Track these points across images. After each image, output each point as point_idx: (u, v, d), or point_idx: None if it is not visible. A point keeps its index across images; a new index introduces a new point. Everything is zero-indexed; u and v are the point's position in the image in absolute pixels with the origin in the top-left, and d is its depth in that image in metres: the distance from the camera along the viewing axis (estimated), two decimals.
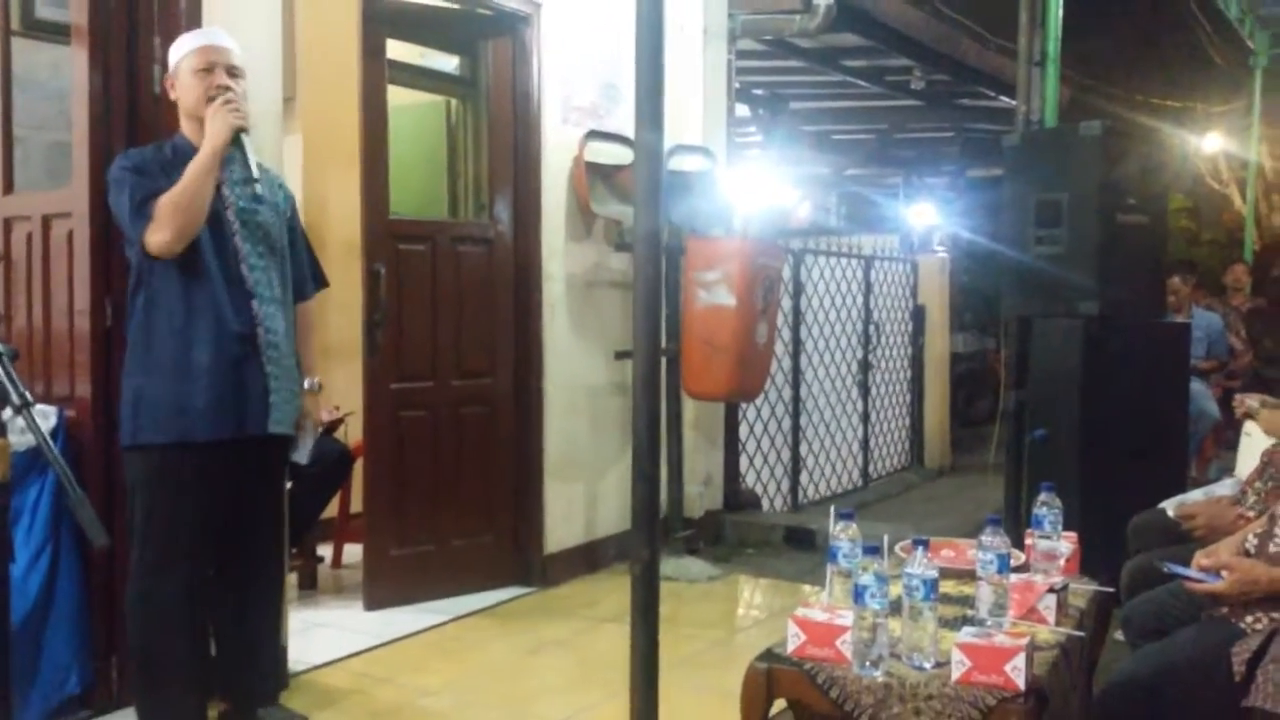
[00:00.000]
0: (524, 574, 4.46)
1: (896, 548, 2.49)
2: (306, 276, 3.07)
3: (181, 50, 2.83)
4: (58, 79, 3.39)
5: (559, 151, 4.51)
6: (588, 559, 4.67)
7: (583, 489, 4.70)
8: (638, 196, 2.05)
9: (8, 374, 1.79)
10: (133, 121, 2.99)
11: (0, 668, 1.94)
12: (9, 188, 3.26)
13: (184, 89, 2.80)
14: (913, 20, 6.82)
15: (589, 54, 4.65)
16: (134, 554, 2.76)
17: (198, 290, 2.73)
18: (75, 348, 3.00)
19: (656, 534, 2.03)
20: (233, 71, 2.80)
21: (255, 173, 2.75)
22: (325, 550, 4.62)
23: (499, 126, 4.44)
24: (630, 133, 4.62)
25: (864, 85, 8.18)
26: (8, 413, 1.84)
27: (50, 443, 1.77)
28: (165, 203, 2.64)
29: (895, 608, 2.11)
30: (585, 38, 4.62)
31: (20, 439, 1.99)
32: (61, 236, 3.04)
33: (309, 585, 4.32)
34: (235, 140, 2.72)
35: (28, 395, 1.80)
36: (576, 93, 4.60)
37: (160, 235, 2.64)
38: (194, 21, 3.04)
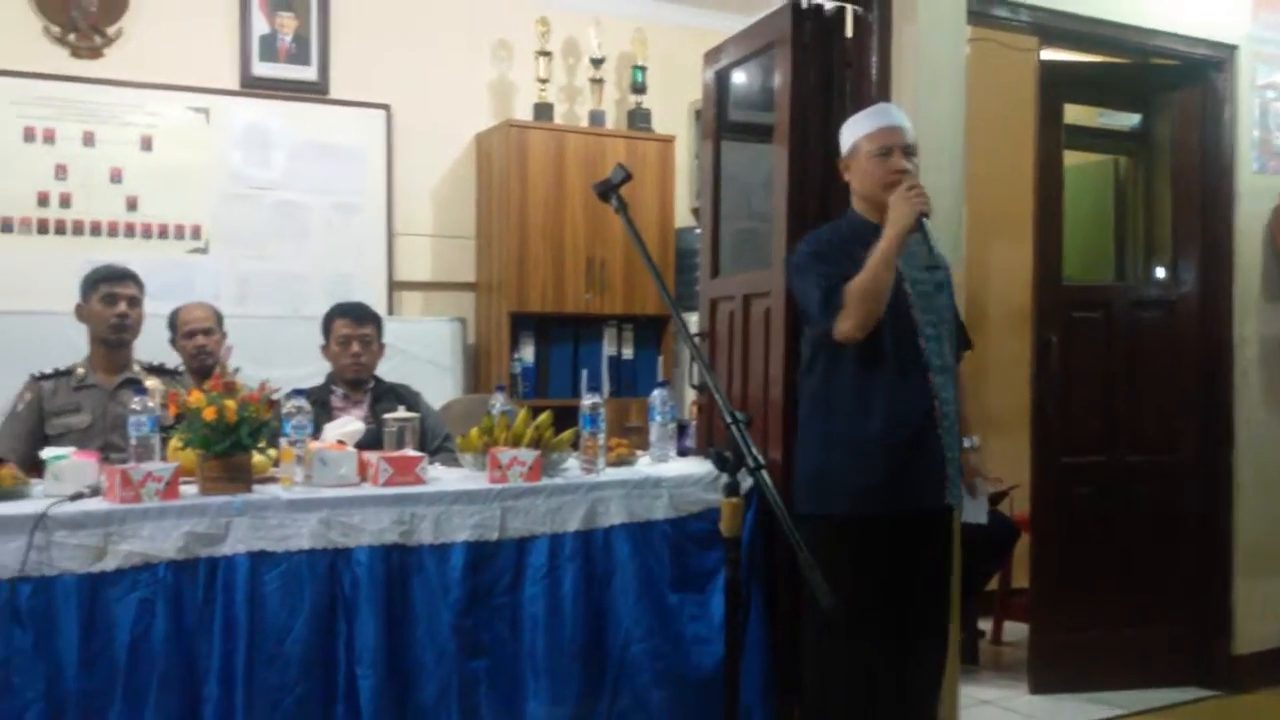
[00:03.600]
0: (1206, 675, 4.00)
1: None
2: (958, 339, 3.01)
3: (858, 132, 2.81)
4: (743, 172, 3.69)
5: (1253, 202, 4.04)
6: None
7: None
8: None
9: (744, 438, 1.97)
10: (824, 208, 3.16)
11: (729, 691, 2.14)
12: (715, 271, 3.62)
13: (862, 173, 2.80)
14: None
15: None
16: (806, 613, 2.89)
17: (876, 367, 2.75)
18: (768, 416, 3.19)
19: None
20: (908, 151, 2.76)
21: (937, 260, 2.73)
22: (985, 624, 4.53)
23: (1183, 181, 4.10)
24: None
25: None
26: (741, 472, 2.03)
27: (782, 504, 1.91)
28: (851, 292, 2.65)
29: None
30: None
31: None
32: (759, 314, 3.30)
33: (969, 659, 4.23)
34: (918, 225, 2.66)
35: (760, 458, 1.96)
36: (1276, 136, 4.10)
37: (846, 324, 2.67)
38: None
